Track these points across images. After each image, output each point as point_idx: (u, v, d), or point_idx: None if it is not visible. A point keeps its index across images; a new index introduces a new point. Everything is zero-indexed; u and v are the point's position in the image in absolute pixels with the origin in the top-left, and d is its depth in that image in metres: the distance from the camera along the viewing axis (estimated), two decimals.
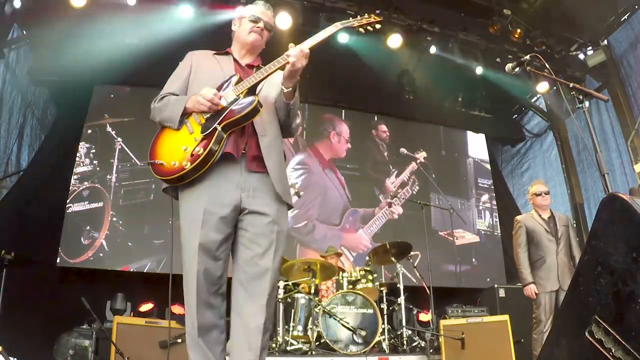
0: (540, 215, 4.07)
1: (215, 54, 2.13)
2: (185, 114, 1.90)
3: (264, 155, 1.90)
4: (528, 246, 3.99)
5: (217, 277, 1.84)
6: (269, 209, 1.88)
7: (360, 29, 2.02)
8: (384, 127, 7.59)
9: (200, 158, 1.79)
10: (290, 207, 2.00)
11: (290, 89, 1.91)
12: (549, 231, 3.96)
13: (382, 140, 7.51)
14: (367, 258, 5.16)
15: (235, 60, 2.09)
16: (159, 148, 1.90)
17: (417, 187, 7.37)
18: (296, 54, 1.83)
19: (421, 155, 7.55)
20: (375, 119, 7.66)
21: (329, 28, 1.94)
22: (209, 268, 1.81)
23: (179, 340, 3.65)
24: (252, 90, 1.91)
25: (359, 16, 2.03)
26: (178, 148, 1.84)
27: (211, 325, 1.83)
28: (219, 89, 1.90)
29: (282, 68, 1.89)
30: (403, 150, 7.53)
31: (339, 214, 6.85)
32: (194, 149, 1.81)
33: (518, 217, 4.22)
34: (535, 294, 3.81)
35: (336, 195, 6.93)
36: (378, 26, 2.03)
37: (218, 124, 1.82)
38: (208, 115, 1.87)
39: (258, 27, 2.05)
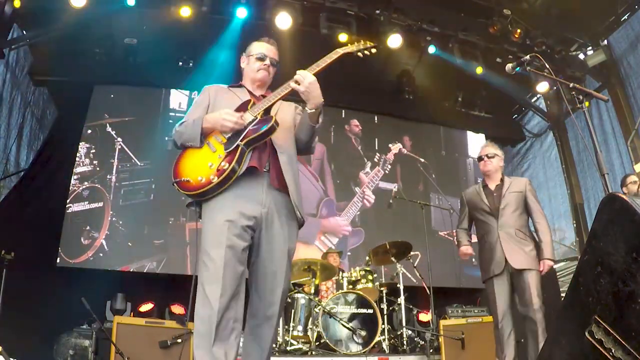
0: (486, 186, 3.46)
1: (230, 87, 2.26)
2: (206, 135, 2.02)
3: (283, 171, 2.03)
4: (472, 223, 3.54)
5: (240, 284, 1.89)
6: (283, 229, 2.02)
7: (359, 54, 2.21)
8: (356, 122, 7.52)
9: (226, 172, 1.92)
10: (301, 225, 2.13)
11: (313, 110, 2.03)
12: (488, 205, 3.36)
13: (355, 134, 7.46)
14: (367, 258, 5.16)
15: (249, 91, 2.23)
16: (182, 167, 2.01)
17: (389, 168, 7.34)
18: (299, 78, 1.99)
19: (396, 147, 7.49)
20: (376, 119, 7.66)
21: (330, 54, 2.12)
22: (236, 266, 1.87)
23: (179, 340, 3.65)
24: (267, 112, 2.07)
25: (356, 43, 2.24)
26: (204, 165, 1.97)
27: (230, 327, 1.82)
28: (237, 111, 2.04)
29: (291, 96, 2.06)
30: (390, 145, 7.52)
31: (314, 205, 6.79)
32: (219, 164, 1.94)
33: (464, 191, 3.67)
34: (485, 282, 3.32)
35: (309, 186, 6.84)
36: (374, 51, 2.23)
37: (240, 140, 1.96)
38: (229, 134, 1.99)
39: (265, 65, 2.20)
